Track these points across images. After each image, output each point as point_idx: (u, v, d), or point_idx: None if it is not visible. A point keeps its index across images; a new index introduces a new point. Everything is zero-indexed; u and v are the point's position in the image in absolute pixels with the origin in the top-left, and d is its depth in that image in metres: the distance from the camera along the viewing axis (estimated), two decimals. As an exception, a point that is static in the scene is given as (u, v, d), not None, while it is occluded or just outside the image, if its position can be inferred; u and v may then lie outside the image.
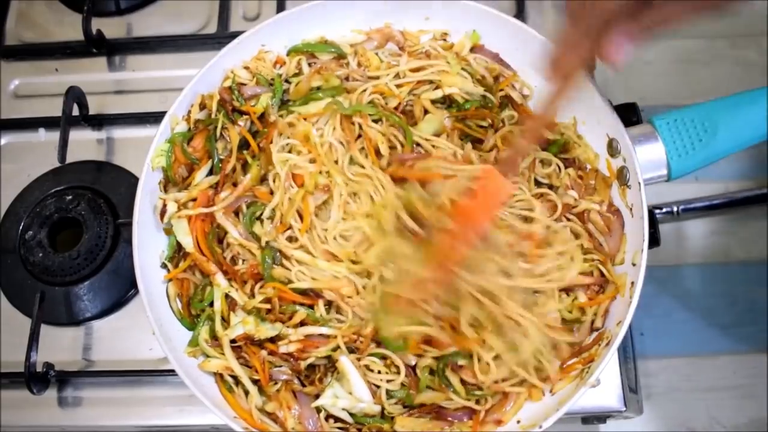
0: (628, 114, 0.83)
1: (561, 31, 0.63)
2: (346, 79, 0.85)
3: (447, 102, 0.84)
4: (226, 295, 0.75)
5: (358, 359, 0.73)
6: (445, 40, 0.87)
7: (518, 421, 0.71)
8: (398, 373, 0.72)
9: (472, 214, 0.69)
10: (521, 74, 0.86)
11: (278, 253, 0.76)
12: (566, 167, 0.81)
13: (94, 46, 0.98)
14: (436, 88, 0.84)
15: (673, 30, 0.58)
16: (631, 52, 0.59)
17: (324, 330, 0.73)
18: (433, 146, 0.80)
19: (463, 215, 0.69)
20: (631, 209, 0.75)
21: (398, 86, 0.83)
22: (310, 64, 0.87)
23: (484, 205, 0.69)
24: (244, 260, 0.77)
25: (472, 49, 0.86)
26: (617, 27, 0.59)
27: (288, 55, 0.87)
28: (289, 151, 0.80)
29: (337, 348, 0.73)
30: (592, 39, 0.61)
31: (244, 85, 0.84)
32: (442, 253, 0.68)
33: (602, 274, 0.76)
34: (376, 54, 0.87)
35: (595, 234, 0.77)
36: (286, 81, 0.86)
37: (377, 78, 0.84)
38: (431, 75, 0.84)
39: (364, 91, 0.82)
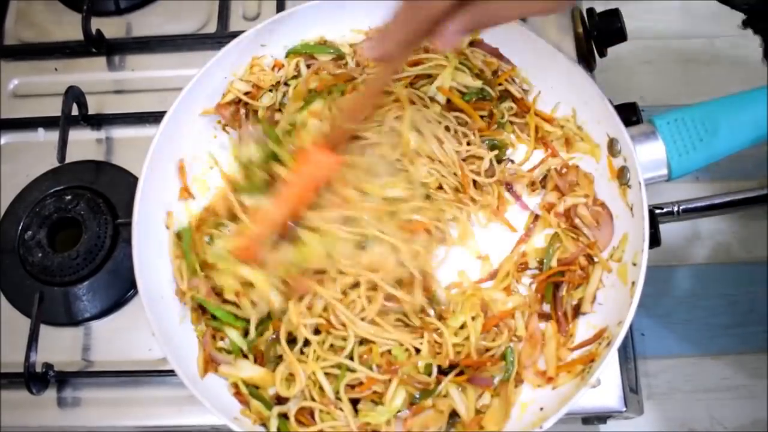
0: (629, 114, 0.83)
1: (392, 19, 0.62)
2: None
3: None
4: None
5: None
6: None
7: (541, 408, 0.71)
8: None
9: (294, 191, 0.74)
10: (522, 71, 0.85)
11: None
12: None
13: (94, 45, 0.98)
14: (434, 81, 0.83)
15: (501, 23, 0.60)
16: (459, 41, 0.61)
17: None
18: None
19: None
20: (631, 209, 0.75)
21: (396, 80, 0.83)
22: (308, 66, 0.87)
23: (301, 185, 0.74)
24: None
25: (472, 43, 0.86)
26: (444, 23, 0.59)
27: (286, 57, 0.87)
28: None
29: None
30: (417, 34, 0.61)
31: (248, 93, 0.85)
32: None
33: (590, 261, 0.77)
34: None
35: (582, 228, 0.78)
36: (285, 84, 0.86)
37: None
38: (429, 69, 0.83)
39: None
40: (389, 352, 0.73)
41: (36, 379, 0.80)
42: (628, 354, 0.81)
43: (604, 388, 0.75)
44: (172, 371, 0.70)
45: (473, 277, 0.79)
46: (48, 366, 0.81)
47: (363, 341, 0.73)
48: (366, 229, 0.74)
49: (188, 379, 0.70)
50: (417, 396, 0.72)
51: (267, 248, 0.74)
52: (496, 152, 0.82)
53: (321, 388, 0.72)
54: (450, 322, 0.74)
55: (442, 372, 0.73)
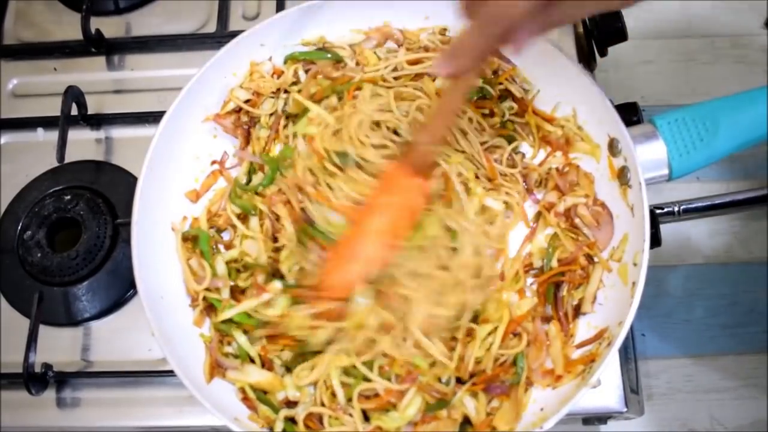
0: (629, 114, 0.82)
1: (462, 32, 0.61)
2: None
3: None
4: None
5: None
6: (444, 35, 0.87)
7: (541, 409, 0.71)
8: None
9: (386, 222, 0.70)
10: (522, 70, 0.85)
11: None
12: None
13: (93, 45, 0.98)
14: (434, 80, 0.83)
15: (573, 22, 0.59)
16: (531, 44, 0.60)
17: None
18: None
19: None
20: (632, 209, 0.75)
21: (396, 78, 0.83)
22: (306, 71, 0.87)
23: (398, 211, 0.71)
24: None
25: None
26: (520, 28, 0.58)
27: (285, 63, 0.87)
28: None
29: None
30: (492, 43, 0.60)
31: (248, 101, 0.85)
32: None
33: (590, 261, 0.77)
34: (374, 53, 0.86)
35: (582, 228, 0.78)
36: (285, 91, 0.86)
37: (375, 71, 0.84)
38: (429, 68, 0.83)
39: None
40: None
41: (35, 379, 0.80)
42: (628, 354, 0.81)
43: (605, 388, 0.75)
44: (171, 371, 0.70)
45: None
46: (47, 366, 0.81)
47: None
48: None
49: (188, 379, 0.70)
50: (432, 404, 0.71)
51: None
52: (514, 144, 0.83)
53: (333, 394, 0.72)
54: (479, 332, 0.73)
55: (458, 381, 0.73)
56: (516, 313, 0.75)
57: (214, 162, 0.85)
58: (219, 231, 0.82)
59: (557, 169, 0.81)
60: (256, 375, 0.74)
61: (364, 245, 0.71)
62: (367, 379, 0.71)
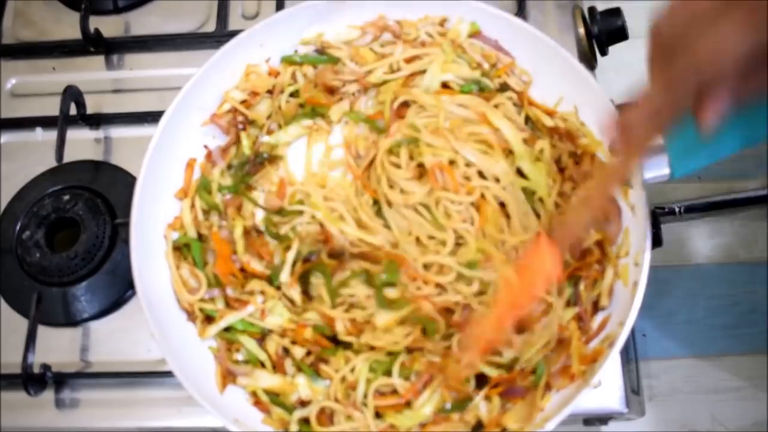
0: (630, 113, 0.82)
1: (641, 93, 0.50)
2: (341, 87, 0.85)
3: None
4: None
5: None
6: (443, 25, 0.86)
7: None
8: None
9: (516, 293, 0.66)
10: (520, 61, 0.85)
11: None
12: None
13: (92, 44, 0.97)
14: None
15: None
16: (727, 113, 0.46)
17: None
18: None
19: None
20: (633, 209, 0.75)
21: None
22: (304, 75, 0.86)
23: (529, 283, 0.65)
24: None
25: (470, 36, 0.85)
26: (722, 87, 0.45)
27: (281, 63, 0.87)
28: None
29: None
30: (682, 105, 0.48)
31: (244, 101, 0.84)
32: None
33: (603, 255, 0.76)
34: (371, 49, 0.86)
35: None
36: (282, 92, 0.85)
37: (371, 72, 0.84)
38: (427, 65, 0.83)
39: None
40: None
41: (34, 380, 0.79)
42: (629, 355, 0.81)
43: (606, 389, 0.74)
44: (171, 372, 0.70)
45: None
46: (46, 367, 0.81)
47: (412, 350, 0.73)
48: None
49: (188, 380, 0.70)
50: (447, 406, 0.71)
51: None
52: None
53: (348, 390, 0.72)
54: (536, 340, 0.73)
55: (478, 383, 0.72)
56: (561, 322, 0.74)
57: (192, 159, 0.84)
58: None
59: (573, 157, 0.80)
60: (267, 380, 0.73)
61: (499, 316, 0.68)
62: (387, 374, 0.71)
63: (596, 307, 0.75)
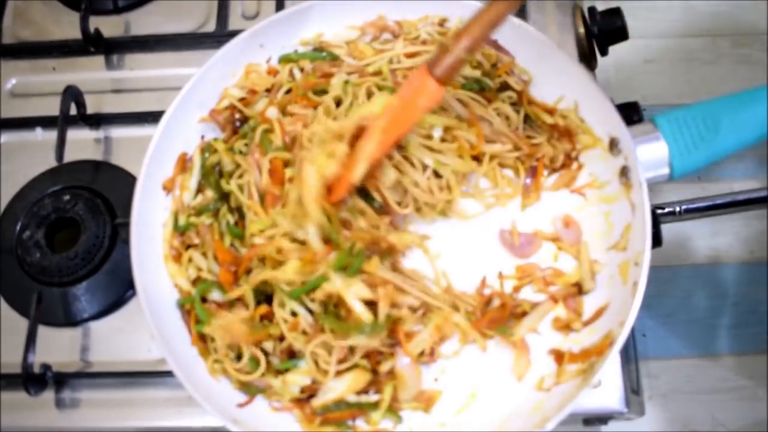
0: (630, 113, 0.82)
1: None
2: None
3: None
4: None
5: None
6: (442, 25, 0.86)
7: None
8: None
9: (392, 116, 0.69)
10: (520, 61, 0.85)
11: None
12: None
13: (92, 44, 0.97)
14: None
15: None
16: None
17: None
18: None
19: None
20: (633, 208, 0.75)
21: (392, 71, 0.83)
22: (302, 69, 0.86)
23: (405, 105, 0.68)
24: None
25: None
26: None
27: (279, 63, 0.87)
28: None
29: None
30: None
31: (243, 99, 0.84)
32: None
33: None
34: (370, 45, 0.87)
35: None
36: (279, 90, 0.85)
37: (370, 64, 0.84)
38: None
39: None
40: None
41: (34, 380, 0.79)
42: (629, 355, 0.81)
43: (606, 389, 0.74)
44: (171, 372, 0.70)
45: None
46: (46, 367, 0.81)
47: None
48: None
49: (188, 380, 0.70)
50: None
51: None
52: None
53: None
54: None
55: None
56: None
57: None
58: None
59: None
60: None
61: (367, 142, 0.69)
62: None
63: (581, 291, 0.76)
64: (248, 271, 0.77)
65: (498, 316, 0.75)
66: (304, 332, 0.72)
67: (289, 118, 0.82)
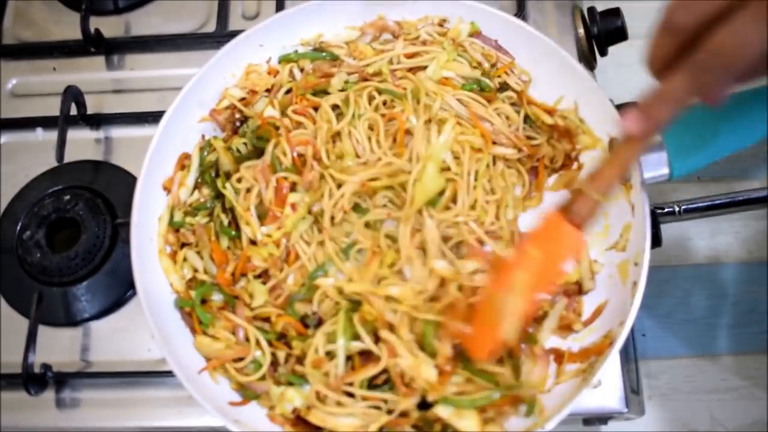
0: (630, 113, 0.82)
1: (664, 84, 0.55)
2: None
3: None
4: None
5: None
6: (442, 26, 0.87)
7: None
8: None
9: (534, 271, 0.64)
10: (519, 61, 0.85)
11: None
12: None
13: (92, 45, 0.97)
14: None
15: None
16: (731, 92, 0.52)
17: None
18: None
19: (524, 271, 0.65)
20: (632, 209, 0.75)
21: (392, 72, 0.84)
22: (302, 69, 0.86)
23: (549, 261, 0.64)
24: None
25: (470, 36, 0.86)
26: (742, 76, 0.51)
27: (279, 63, 0.87)
28: None
29: None
30: (701, 94, 0.53)
31: (243, 99, 0.84)
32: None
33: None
34: (370, 46, 0.87)
35: None
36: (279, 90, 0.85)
37: (370, 65, 0.84)
38: (427, 61, 0.83)
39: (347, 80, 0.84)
40: None
41: (34, 379, 0.79)
42: (629, 354, 0.81)
43: (606, 388, 0.74)
44: (171, 372, 0.70)
45: None
46: (46, 367, 0.81)
47: None
48: None
49: (187, 380, 0.70)
50: None
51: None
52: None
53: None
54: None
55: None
56: None
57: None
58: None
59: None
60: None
61: (509, 301, 0.65)
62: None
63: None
64: (244, 273, 0.77)
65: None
66: (326, 374, 0.71)
67: (296, 132, 0.80)
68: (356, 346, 0.71)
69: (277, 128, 0.80)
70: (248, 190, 0.79)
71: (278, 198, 0.77)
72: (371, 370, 0.69)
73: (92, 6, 0.97)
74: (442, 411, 0.68)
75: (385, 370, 0.70)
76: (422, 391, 0.69)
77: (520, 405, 0.70)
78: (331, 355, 0.72)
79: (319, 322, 0.74)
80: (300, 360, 0.73)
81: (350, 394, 0.70)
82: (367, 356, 0.71)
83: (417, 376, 0.68)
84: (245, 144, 0.82)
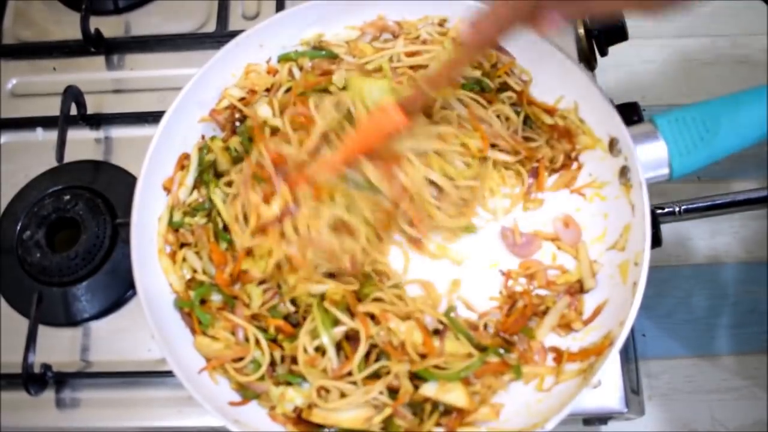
0: (630, 113, 0.82)
1: (489, 6, 0.63)
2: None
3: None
4: None
5: None
6: (442, 25, 0.87)
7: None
8: None
9: (355, 140, 0.74)
10: (520, 61, 0.85)
11: None
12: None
13: (92, 45, 0.97)
14: None
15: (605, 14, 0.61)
16: (558, 27, 0.61)
17: None
18: None
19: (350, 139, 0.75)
20: (633, 209, 0.75)
21: (392, 69, 0.83)
22: (301, 68, 0.86)
23: (365, 133, 0.74)
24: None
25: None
26: (551, 8, 0.60)
27: (279, 62, 0.87)
28: None
29: None
30: (519, 19, 0.62)
31: (243, 99, 0.84)
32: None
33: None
34: (370, 44, 0.87)
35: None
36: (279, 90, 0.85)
37: (369, 62, 0.84)
38: (427, 60, 0.83)
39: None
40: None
41: (34, 379, 0.79)
42: (629, 355, 0.81)
43: (606, 389, 0.74)
44: (171, 372, 0.70)
45: None
46: (46, 367, 0.81)
47: None
48: None
49: (187, 380, 0.70)
50: None
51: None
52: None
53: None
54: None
55: None
56: None
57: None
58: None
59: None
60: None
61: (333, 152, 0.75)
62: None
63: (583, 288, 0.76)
64: (243, 282, 0.77)
65: (521, 316, 0.75)
66: (324, 370, 0.72)
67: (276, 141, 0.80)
68: (339, 331, 0.72)
69: (276, 130, 0.80)
70: (235, 197, 0.79)
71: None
72: (361, 350, 0.71)
73: (92, 6, 0.97)
74: (428, 389, 0.70)
75: (374, 346, 0.72)
76: (414, 349, 0.71)
77: (506, 373, 0.72)
78: (321, 349, 0.72)
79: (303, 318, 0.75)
80: (295, 360, 0.73)
81: (352, 382, 0.71)
82: (355, 341, 0.72)
83: (405, 337, 0.71)
84: (242, 143, 0.82)
